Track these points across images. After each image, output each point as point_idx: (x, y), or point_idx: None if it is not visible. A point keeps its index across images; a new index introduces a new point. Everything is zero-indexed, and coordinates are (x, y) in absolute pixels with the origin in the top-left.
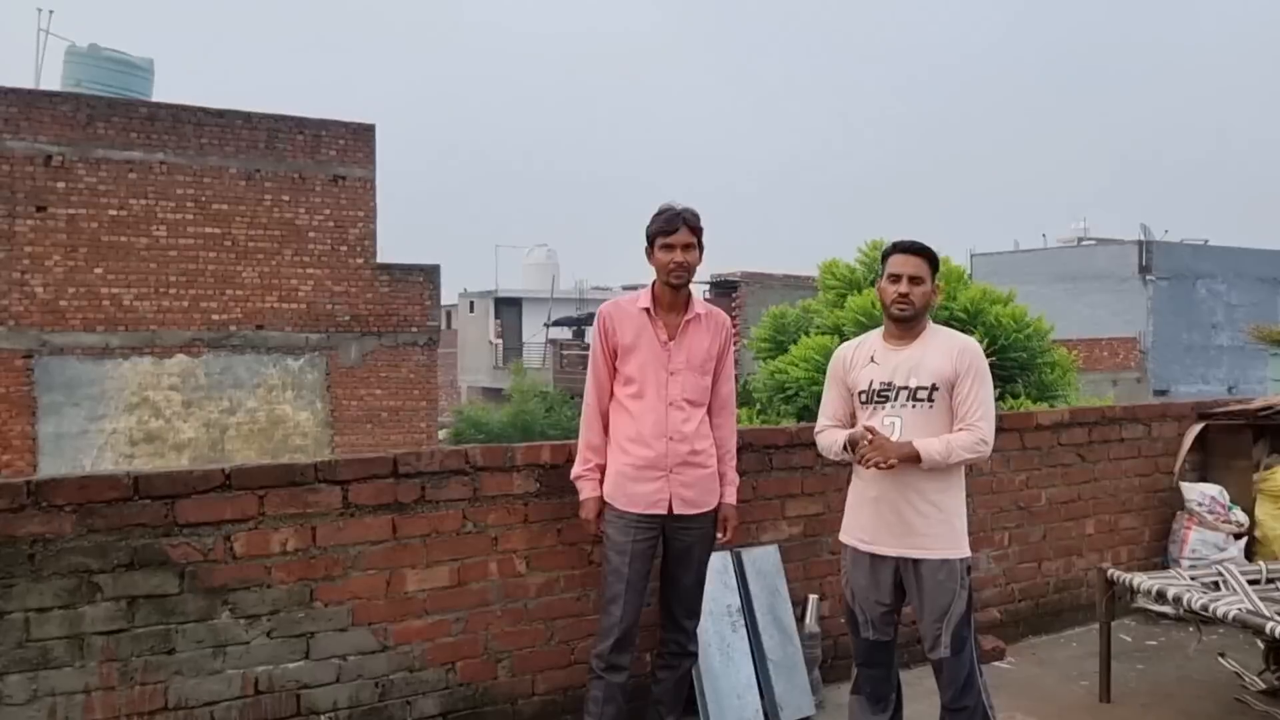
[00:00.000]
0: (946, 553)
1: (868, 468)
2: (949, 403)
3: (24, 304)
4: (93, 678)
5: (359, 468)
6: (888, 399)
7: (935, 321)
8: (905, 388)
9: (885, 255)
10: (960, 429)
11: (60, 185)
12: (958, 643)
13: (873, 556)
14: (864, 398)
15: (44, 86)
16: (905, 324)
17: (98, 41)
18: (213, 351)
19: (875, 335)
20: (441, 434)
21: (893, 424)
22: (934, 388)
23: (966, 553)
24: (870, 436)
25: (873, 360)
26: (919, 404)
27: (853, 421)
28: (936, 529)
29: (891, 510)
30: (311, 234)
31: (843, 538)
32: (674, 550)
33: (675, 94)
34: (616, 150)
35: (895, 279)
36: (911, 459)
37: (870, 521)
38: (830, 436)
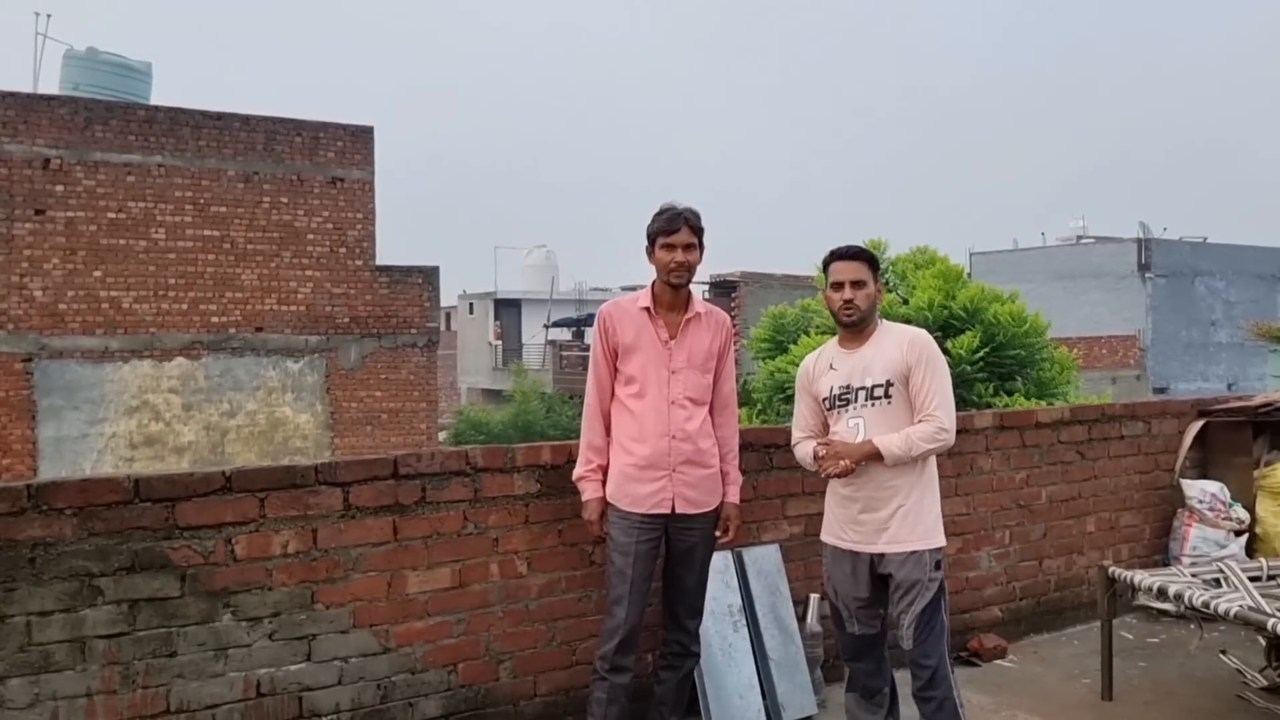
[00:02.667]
0: (915, 545)
1: (826, 477)
2: (907, 397)
3: (23, 307)
4: (94, 681)
5: (360, 469)
6: (849, 402)
7: (935, 320)
8: (862, 388)
9: (825, 265)
10: (919, 420)
11: (59, 188)
12: (922, 632)
13: (849, 553)
14: (828, 404)
15: (42, 90)
16: (855, 327)
17: (95, 45)
18: (212, 354)
19: (832, 343)
20: (441, 435)
21: (857, 425)
22: (889, 384)
23: (936, 544)
24: (825, 448)
25: (831, 367)
26: (877, 402)
27: (824, 430)
28: (905, 522)
29: (863, 507)
30: (310, 236)
31: (823, 536)
32: (677, 550)
33: (674, 94)
34: (615, 150)
35: (838, 286)
36: (873, 457)
37: (845, 519)
38: (804, 449)
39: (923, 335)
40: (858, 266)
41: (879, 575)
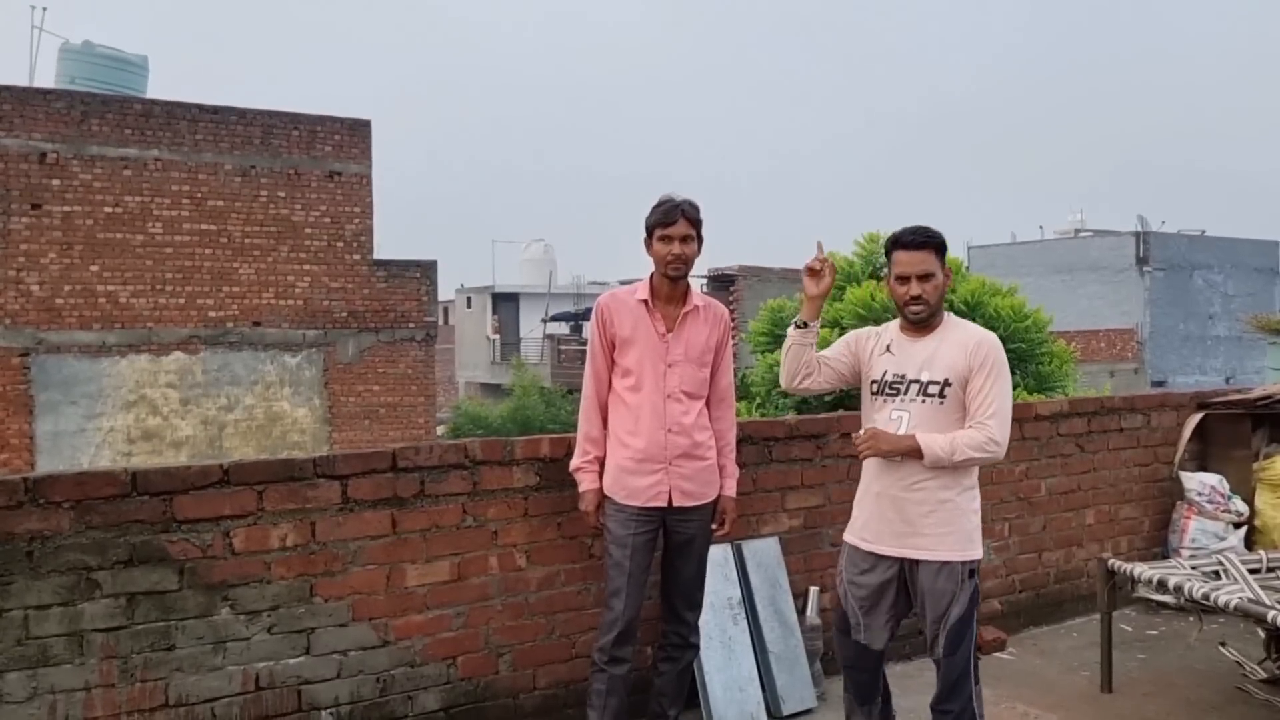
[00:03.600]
0: (947, 555)
1: (861, 456)
2: (961, 399)
3: (20, 302)
4: (93, 675)
5: (358, 463)
6: (899, 392)
7: None
8: (917, 381)
9: (888, 250)
10: (970, 426)
11: (55, 183)
12: (951, 645)
13: (874, 555)
14: (875, 388)
15: (38, 84)
16: (924, 324)
17: (91, 38)
18: (210, 348)
19: (894, 325)
20: (440, 430)
21: (900, 418)
22: (946, 383)
23: (971, 556)
24: (869, 430)
25: (889, 350)
26: (929, 399)
27: (838, 375)
28: (939, 530)
29: (893, 507)
30: (308, 230)
31: (846, 536)
32: (674, 543)
33: (672, 86)
34: (613, 143)
35: (904, 280)
36: (912, 453)
37: (872, 518)
38: (790, 339)
39: (992, 339)
40: (924, 256)
41: (904, 583)
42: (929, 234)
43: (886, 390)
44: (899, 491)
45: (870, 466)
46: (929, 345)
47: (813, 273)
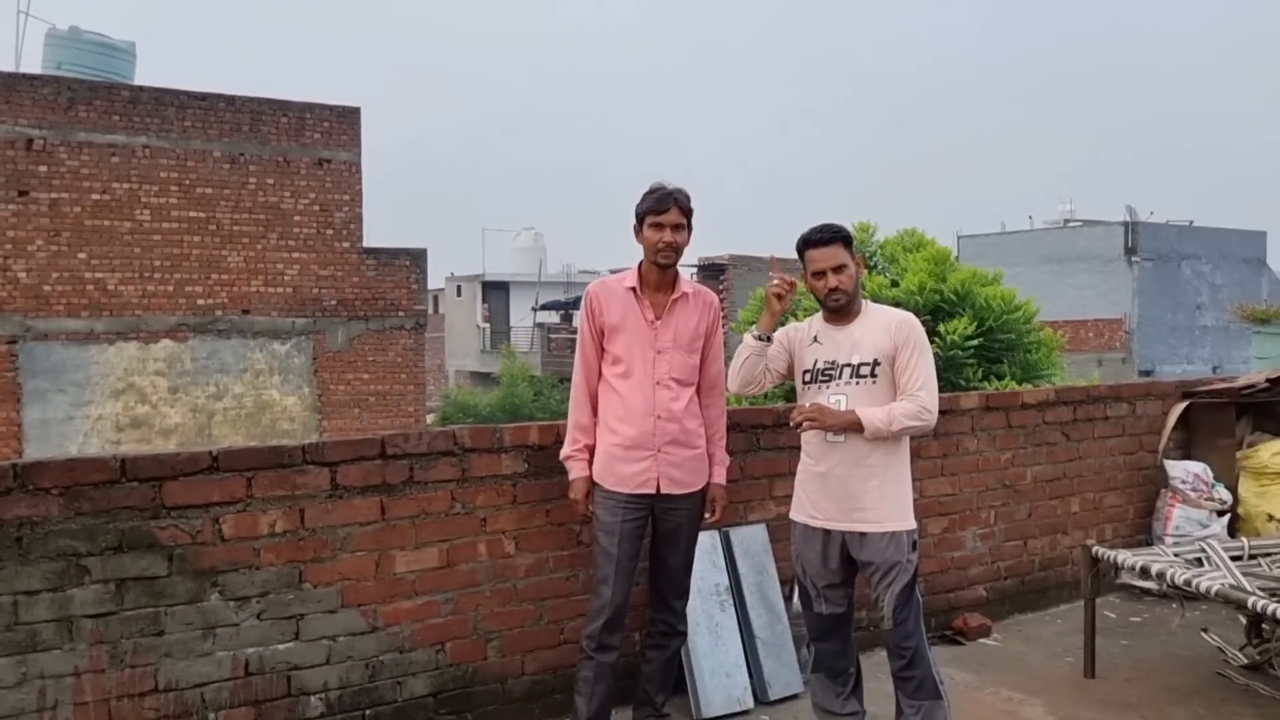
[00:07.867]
0: (893, 525)
1: (795, 427)
2: (891, 377)
3: (7, 289)
4: (82, 660)
5: (347, 449)
6: (832, 377)
7: (926, 303)
8: (848, 365)
9: (800, 251)
10: (901, 399)
11: (42, 169)
12: (901, 612)
13: (820, 532)
14: (808, 377)
15: (24, 69)
16: (844, 310)
17: (78, 24)
18: (198, 336)
19: (817, 318)
20: (429, 418)
21: (838, 401)
22: (875, 363)
23: (912, 525)
24: (812, 407)
25: (816, 340)
26: (862, 380)
27: (780, 371)
28: (883, 502)
29: (839, 484)
30: (297, 218)
31: (792, 514)
32: (662, 530)
33: (663, 76)
34: (604, 132)
35: (819, 275)
36: (854, 427)
37: (819, 496)
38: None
39: (910, 318)
40: (834, 250)
41: (849, 555)
42: (835, 229)
43: (820, 377)
44: (846, 470)
45: (814, 448)
46: (854, 331)
47: (779, 297)
